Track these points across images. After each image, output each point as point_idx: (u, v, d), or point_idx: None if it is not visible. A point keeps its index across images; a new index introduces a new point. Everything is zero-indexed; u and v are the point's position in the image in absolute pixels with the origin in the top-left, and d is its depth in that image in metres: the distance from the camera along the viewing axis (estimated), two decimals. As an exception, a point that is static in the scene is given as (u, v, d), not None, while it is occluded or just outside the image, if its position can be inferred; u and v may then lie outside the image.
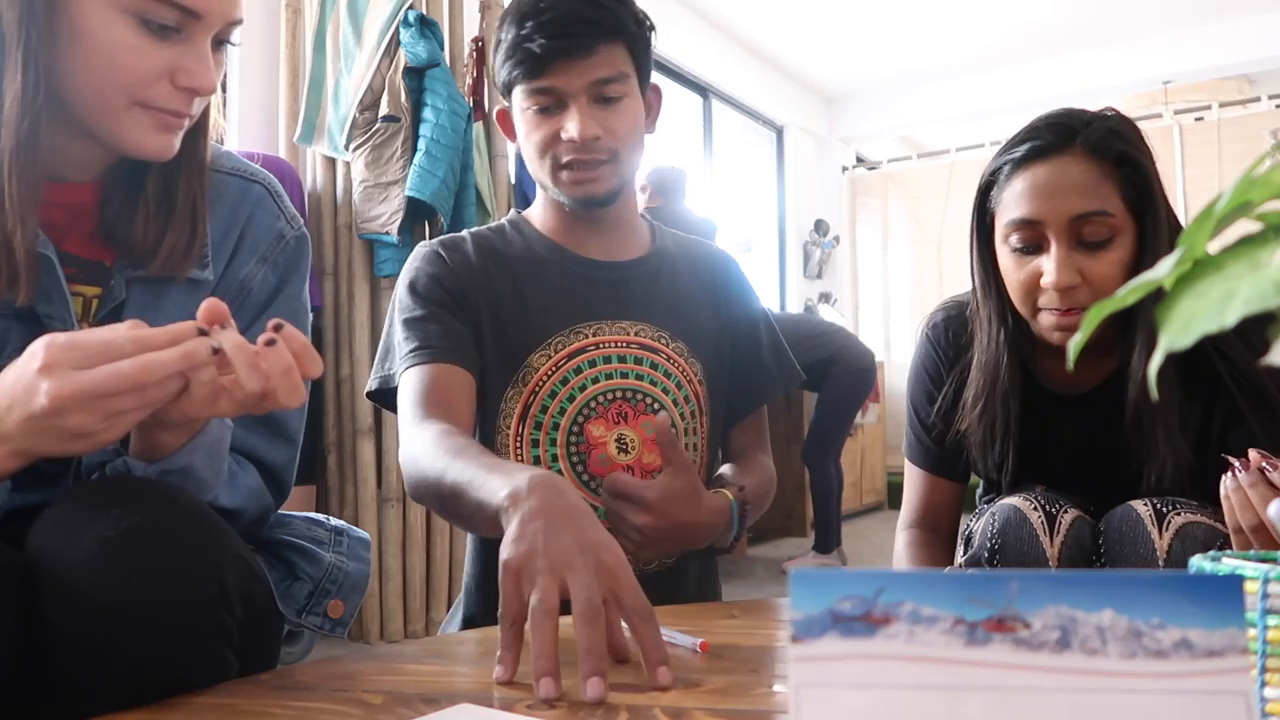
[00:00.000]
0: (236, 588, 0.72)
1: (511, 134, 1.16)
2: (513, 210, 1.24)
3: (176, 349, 0.61)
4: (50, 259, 0.78)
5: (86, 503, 0.69)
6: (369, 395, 1.13)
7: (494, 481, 0.79)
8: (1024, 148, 1.05)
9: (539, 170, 1.10)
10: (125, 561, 0.65)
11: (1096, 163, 1.01)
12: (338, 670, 0.72)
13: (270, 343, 0.64)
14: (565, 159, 1.06)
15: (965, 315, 1.20)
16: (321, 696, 0.65)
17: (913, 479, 1.26)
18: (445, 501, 0.90)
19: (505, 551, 0.70)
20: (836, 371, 3.86)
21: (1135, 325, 1.04)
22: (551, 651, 0.64)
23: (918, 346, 1.26)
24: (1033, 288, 1.04)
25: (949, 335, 1.21)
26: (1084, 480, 1.11)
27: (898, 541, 1.26)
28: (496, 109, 1.18)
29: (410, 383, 1.04)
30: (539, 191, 1.18)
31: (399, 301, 1.11)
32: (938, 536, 1.24)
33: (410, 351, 1.05)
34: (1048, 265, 1.02)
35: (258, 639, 0.78)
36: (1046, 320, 1.04)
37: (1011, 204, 1.05)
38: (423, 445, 0.94)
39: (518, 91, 1.07)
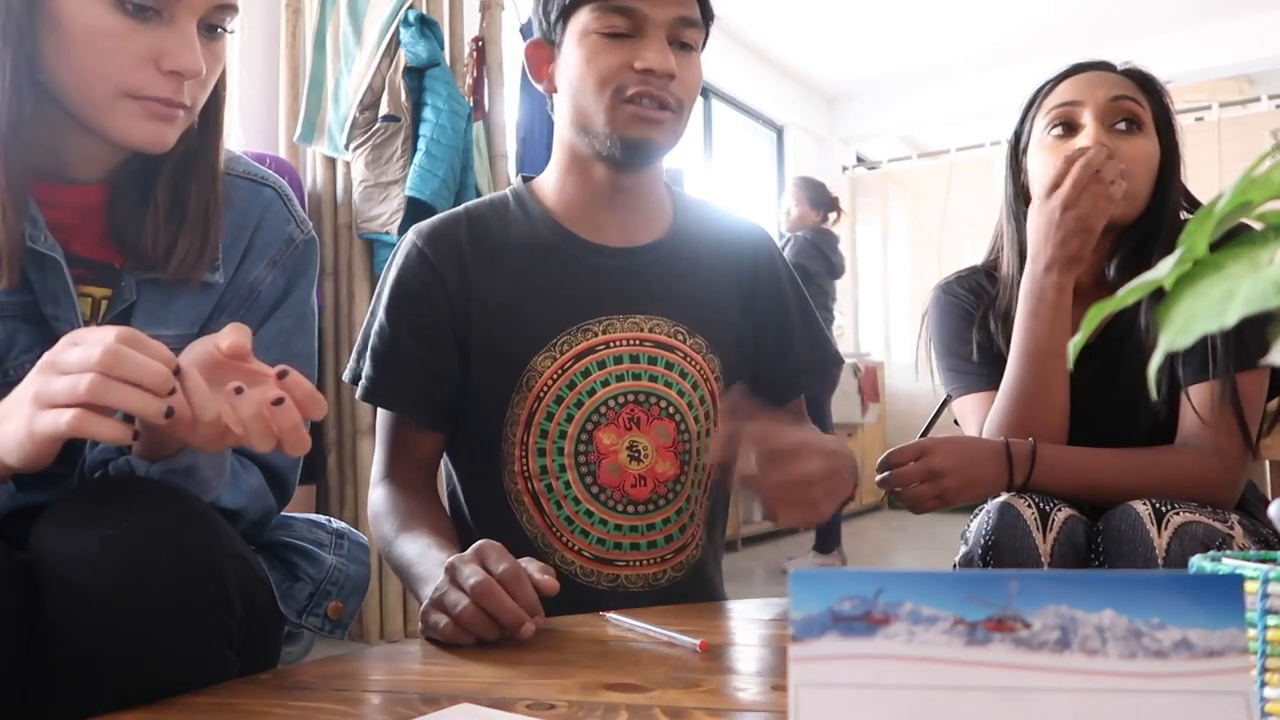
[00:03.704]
0: (237, 588, 0.72)
1: (541, 72, 1.05)
2: (518, 179, 1.12)
3: (139, 397, 0.61)
4: (57, 260, 0.77)
5: (88, 502, 0.69)
6: (344, 380, 1.11)
7: (421, 579, 0.88)
8: (1064, 70, 1.17)
9: (594, 103, 0.98)
10: (126, 561, 0.65)
11: (1130, 79, 1.15)
12: (338, 670, 0.72)
13: (278, 401, 0.64)
14: (632, 90, 0.96)
15: (974, 273, 1.26)
16: (321, 696, 0.65)
17: (976, 408, 1.19)
18: (394, 568, 0.96)
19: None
20: None
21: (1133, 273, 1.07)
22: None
23: (934, 303, 1.28)
24: (1067, 165, 1.10)
25: (963, 286, 1.26)
26: (1091, 429, 1.10)
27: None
28: (529, 41, 1.06)
29: (382, 424, 1.08)
30: (559, 156, 1.07)
31: (378, 314, 1.06)
32: None
33: (376, 380, 1.04)
34: (1083, 135, 1.11)
35: (258, 639, 0.78)
36: None
37: (1051, 100, 1.15)
38: (381, 508, 1.02)
39: (586, 12, 0.97)
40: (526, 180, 1.12)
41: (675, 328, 1.06)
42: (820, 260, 3.92)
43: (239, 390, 0.63)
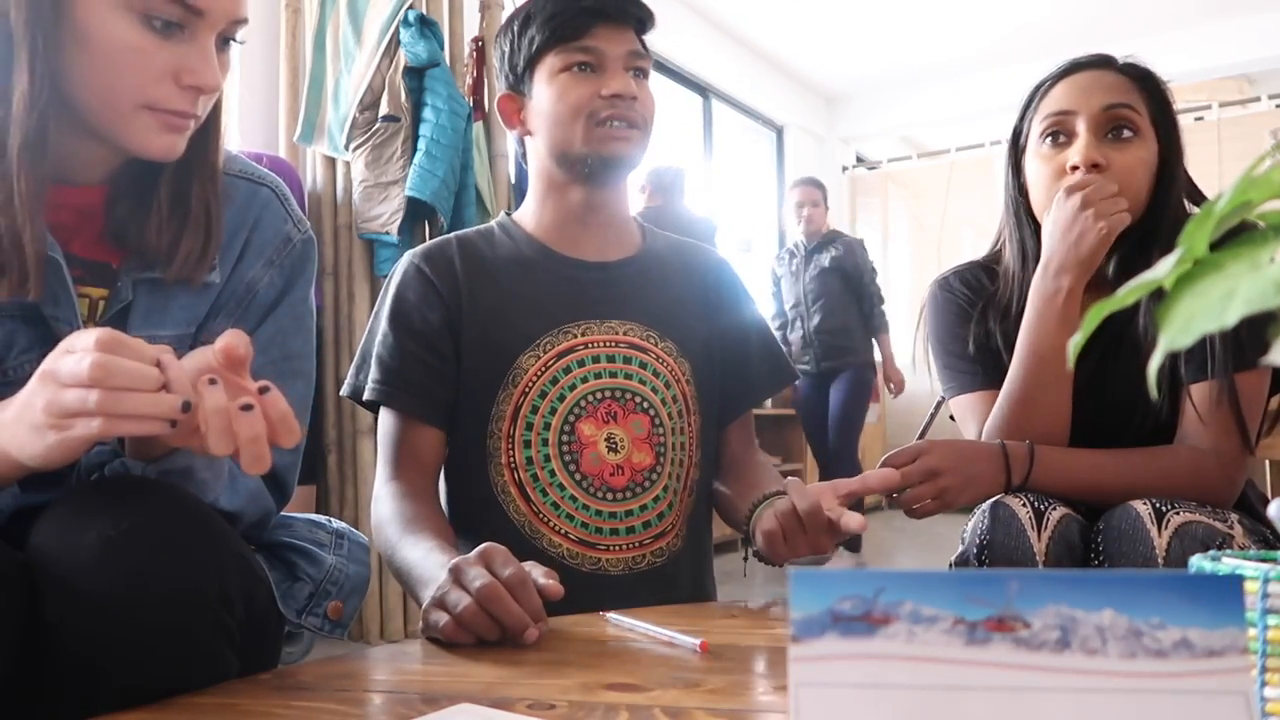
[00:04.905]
0: (237, 588, 0.72)
1: (513, 121, 1.16)
2: (502, 213, 1.24)
3: (151, 399, 0.61)
4: (57, 261, 0.78)
5: (87, 502, 0.69)
6: (342, 395, 1.18)
7: (423, 581, 0.89)
8: (1062, 67, 1.16)
9: (570, 131, 1.09)
10: (126, 561, 0.65)
11: (1126, 77, 1.13)
12: (338, 670, 0.72)
13: (247, 407, 0.62)
14: (605, 114, 1.08)
15: (973, 268, 1.25)
16: (321, 696, 0.65)
17: (974, 408, 1.19)
18: (396, 573, 0.99)
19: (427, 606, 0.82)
20: (851, 364, 4.02)
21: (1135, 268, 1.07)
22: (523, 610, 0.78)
23: (931, 299, 1.26)
24: (1060, 174, 1.11)
25: (960, 282, 1.25)
26: (1087, 428, 1.11)
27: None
28: (499, 95, 1.18)
29: (385, 429, 1.12)
30: (536, 187, 1.18)
31: (380, 326, 1.13)
32: None
33: (383, 382, 1.10)
34: (1075, 148, 1.10)
35: (258, 639, 0.78)
36: None
37: (1047, 105, 1.14)
38: (385, 512, 1.04)
39: (552, 56, 1.10)
40: (508, 214, 1.23)
41: (648, 332, 1.16)
42: (867, 260, 4.11)
43: (212, 381, 0.62)
